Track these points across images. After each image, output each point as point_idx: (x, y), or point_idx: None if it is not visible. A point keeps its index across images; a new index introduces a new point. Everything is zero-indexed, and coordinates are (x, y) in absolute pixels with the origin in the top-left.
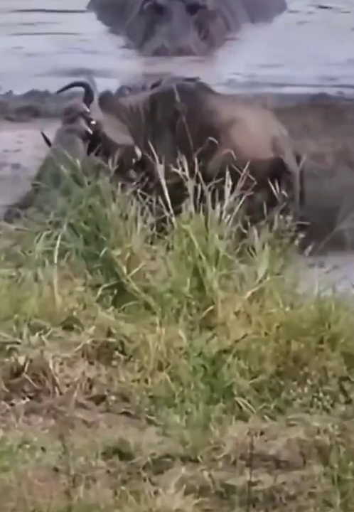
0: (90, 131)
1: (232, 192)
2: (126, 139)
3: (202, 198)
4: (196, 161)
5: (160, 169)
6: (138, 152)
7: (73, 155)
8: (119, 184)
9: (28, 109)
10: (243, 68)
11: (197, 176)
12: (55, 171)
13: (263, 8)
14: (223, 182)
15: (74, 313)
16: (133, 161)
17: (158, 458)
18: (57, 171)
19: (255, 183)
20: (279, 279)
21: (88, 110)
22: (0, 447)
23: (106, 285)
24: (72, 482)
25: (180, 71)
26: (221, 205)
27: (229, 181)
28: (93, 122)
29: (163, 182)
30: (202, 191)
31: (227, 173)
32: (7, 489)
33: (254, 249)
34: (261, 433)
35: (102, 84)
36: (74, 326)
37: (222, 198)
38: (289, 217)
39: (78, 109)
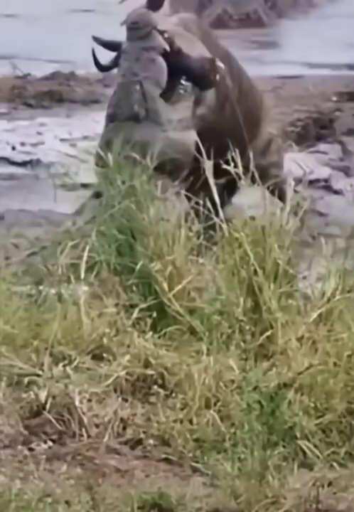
0: (168, 48)
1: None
2: (203, 51)
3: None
4: (251, 155)
5: (208, 166)
6: (221, 65)
7: (158, 78)
8: (159, 184)
9: (49, 93)
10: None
11: (253, 174)
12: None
13: None
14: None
15: (105, 340)
16: (217, 77)
17: None
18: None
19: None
20: (350, 297)
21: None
22: (17, 501)
23: (143, 306)
24: None
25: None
26: (281, 209)
27: (290, 179)
28: (166, 35)
29: (212, 181)
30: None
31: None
32: None
33: (321, 261)
34: (329, 484)
35: None
36: (105, 355)
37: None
38: None
39: (151, 21)
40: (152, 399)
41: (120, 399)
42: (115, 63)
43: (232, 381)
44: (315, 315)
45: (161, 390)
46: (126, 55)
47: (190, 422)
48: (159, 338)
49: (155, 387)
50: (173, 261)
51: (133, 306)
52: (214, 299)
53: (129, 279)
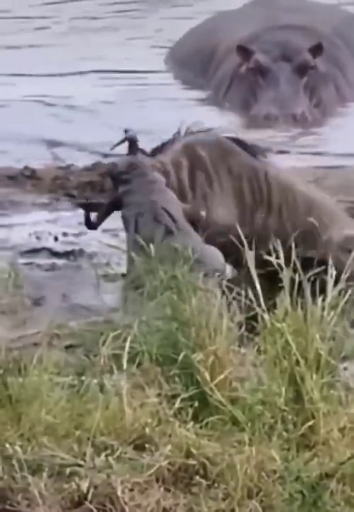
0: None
1: (335, 284)
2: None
3: (300, 291)
4: (293, 246)
5: (249, 256)
6: (203, 214)
7: (173, 207)
8: (201, 275)
9: (90, 184)
10: None
11: (295, 265)
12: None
13: None
14: (324, 271)
15: (147, 430)
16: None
17: None
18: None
19: None
20: None
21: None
22: None
23: (185, 395)
24: None
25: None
26: (323, 300)
27: (332, 270)
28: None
29: (254, 271)
30: (300, 283)
31: (330, 260)
32: None
33: None
34: None
35: None
36: (147, 445)
37: (323, 291)
38: None
39: (144, 161)
40: (194, 489)
41: (162, 489)
42: (101, 219)
43: (274, 471)
44: None
45: (202, 480)
46: (135, 189)
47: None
48: (201, 428)
49: (197, 477)
50: (215, 351)
51: (175, 397)
52: (256, 389)
53: (171, 370)
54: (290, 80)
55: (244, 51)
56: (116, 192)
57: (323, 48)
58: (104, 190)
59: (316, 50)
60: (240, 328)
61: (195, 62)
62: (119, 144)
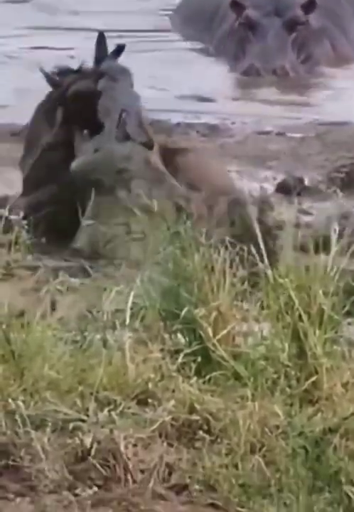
0: None
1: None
2: None
3: (304, 246)
4: (296, 201)
5: (251, 210)
6: None
7: None
8: (204, 230)
9: None
10: None
11: (298, 218)
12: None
13: None
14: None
15: (150, 385)
16: None
17: None
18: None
19: None
20: None
21: None
22: None
23: (188, 351)
24: None
25: None
26: (326, 255)
27: (335, 226)
28: None
29: (256, 227)
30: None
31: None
32: None
33: None
34: None
35: None
36: (150, 400)
37: (327, 246)
38: None
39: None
40: (197, 444)
41: (165, 444)
42: None
43: (277, 427)
44: None
45: (206, 436)
46: None
47: (236, 467)
48: (204, 383)
49: (200, 432)
50: (218, 307)
51: (178, 352)
52: (258, 344)
53: (174, 325)
54: (278, 34)
55: (237, 6)
56: None
57: (316, 4)
58: None
59: (309, 5)
60: (243, 283)
61: (199, 20)
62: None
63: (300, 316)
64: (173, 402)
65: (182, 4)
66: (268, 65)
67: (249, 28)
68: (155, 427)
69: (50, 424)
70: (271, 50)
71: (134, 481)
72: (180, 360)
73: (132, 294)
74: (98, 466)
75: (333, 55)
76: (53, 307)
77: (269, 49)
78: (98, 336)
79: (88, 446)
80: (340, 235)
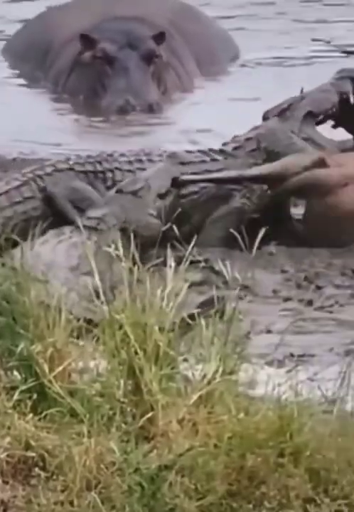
0: None
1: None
2: None
3: (140, 282)
4: (132, 235)
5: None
6: None
7: None
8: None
9: None
10: None
11: (133, 255)
12: None
13: (213, 58)
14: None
15: None
16: None
17: None
18: None
19: None
20: (231, 380)
21: None
22: None
23: (24, 387)
24: None
25: None
26: (162, 290)
27: (171, 261)
28: None
29: (92, 261)
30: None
31: (169, 251)
32: None
33: (201, 343)
34: None
35: None
36: None
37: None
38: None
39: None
40: (33, 481)
41: (0, 481)
42: None
43: (113, 463)
44: (195, 397)
45: (41, 472)
46: None
47: (71, 503)
48: (40, 420)
49: (36, 469)
50: (54, 343)
51: (14, 388)
52: (94, 380)
53: (10, 362)
54: (139, 67)
55: (87, 40)
56: None
57: (165, 36)
58: None
59: (159, 38)
60: (79, 320)
61: (30, 57)
62: None
63: (136, 352)
64: (8, 438)
65: (13, 39)
66: (140, 100)
67: (107, 62)
68: None
69: None
70: (138, 84)
71: None
72: (15, 396)
73: None
74: None
75: (179, 86)
76: None
77: (135, 83)
78: None
79: None
80: None
